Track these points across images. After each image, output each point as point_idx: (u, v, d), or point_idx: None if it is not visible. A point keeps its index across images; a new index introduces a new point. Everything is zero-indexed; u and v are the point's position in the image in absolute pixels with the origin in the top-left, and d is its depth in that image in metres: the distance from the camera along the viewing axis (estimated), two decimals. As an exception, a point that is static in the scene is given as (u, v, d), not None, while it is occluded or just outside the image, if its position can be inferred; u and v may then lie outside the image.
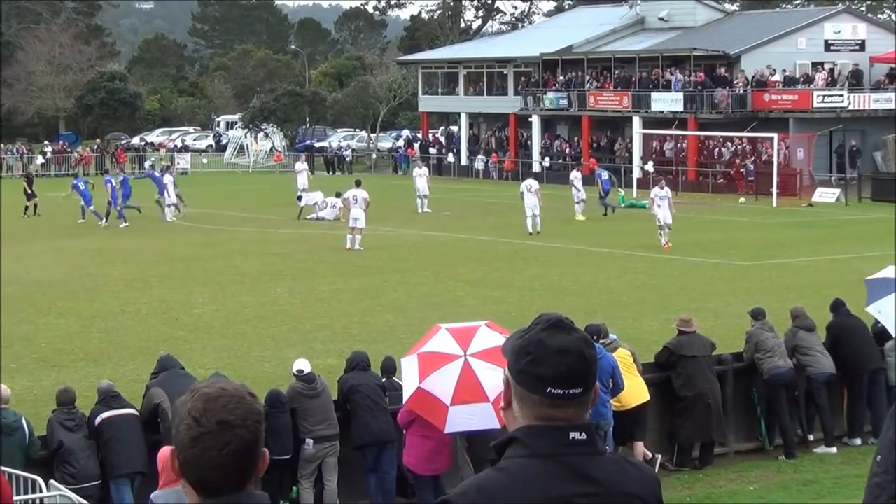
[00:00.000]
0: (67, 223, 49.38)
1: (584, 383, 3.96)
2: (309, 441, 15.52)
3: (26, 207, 53.40)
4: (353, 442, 15.76)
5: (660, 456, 17.24)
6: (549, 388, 3.92)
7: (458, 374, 13.75)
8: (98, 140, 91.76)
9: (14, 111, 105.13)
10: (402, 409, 14.85)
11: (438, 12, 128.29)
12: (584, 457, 3.94)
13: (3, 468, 13.06)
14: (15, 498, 12.81)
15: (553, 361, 3.92)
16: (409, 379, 14.16)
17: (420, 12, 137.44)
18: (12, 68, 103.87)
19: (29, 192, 53.83)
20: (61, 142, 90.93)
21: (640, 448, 16.71)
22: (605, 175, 53.68)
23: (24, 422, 14.50)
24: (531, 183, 46.69)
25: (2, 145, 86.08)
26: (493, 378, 13.01)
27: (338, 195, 49.51)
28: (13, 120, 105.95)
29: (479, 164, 79.99)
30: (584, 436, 3.95)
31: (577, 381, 3.94)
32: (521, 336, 4.01)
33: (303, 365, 15.97)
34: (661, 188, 41.21)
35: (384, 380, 16.39)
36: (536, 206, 45.16)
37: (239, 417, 3.70)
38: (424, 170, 57.04)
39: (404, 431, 15.14)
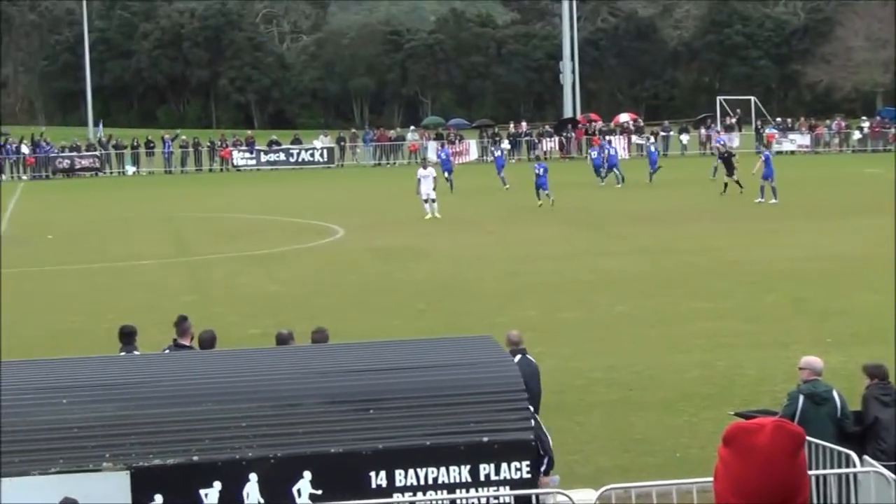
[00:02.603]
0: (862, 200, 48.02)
1: None
2: None
3: (726, 185, 52.72)
4: None
5: None
6: None
7: None
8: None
9: (832, 87, 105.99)
10: None
11: None
12: None
13: (814, 440, 13.13)
14: (828, 471, 12.88)
15: None
16: None
17: None
18: (831, 44, 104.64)
19: (730, 167, 52.94)
20: (879, 117, 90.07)
21: None
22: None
23: (835, 394, 14.54)
24: None
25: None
26: None
27: None
28: (831, 96, 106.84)
29: None
30: None
31: None
32: None
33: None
34: None
35: None
36: None
37: None
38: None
39: None
